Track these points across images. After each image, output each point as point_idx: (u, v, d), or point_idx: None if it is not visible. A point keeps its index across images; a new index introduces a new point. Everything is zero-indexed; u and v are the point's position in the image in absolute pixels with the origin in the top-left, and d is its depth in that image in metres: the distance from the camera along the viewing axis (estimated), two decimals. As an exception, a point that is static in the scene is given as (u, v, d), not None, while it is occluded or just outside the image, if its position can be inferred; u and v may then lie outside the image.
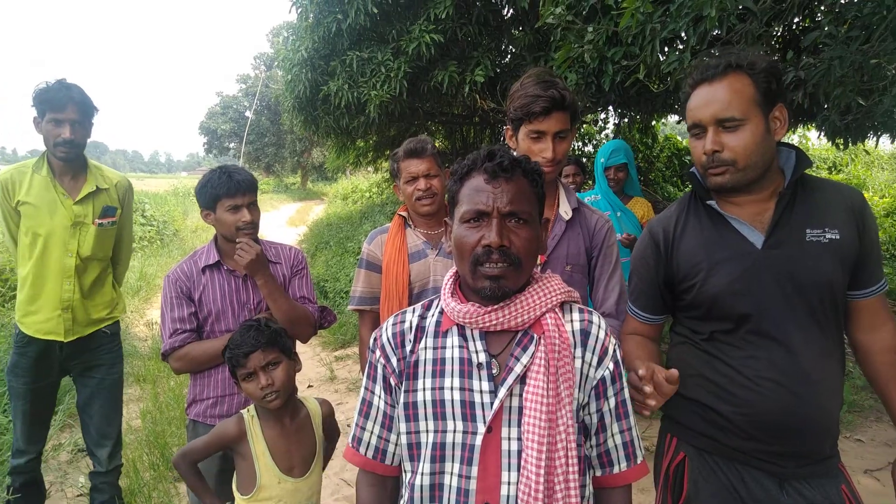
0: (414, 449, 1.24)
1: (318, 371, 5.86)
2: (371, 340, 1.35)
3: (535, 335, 1.21)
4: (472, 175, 1.23)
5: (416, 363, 1.26)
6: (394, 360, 1.28)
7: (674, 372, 1.38)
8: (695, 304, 1.56)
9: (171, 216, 15.01)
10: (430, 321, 1.30)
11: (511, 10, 6.15)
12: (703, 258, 1.53)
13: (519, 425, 1.16)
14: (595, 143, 10.84)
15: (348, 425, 4.51)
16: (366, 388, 1.34)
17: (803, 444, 1.46)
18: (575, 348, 1.23)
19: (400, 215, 2.37)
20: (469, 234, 1.20)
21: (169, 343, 2.18)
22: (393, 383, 1.28)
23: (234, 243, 2.18)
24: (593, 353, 1.24)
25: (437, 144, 12.13)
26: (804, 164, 1.50)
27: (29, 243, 2.68)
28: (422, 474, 1.20)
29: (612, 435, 1.25)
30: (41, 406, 2.82)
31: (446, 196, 1.32)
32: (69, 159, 2.66)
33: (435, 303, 1.35)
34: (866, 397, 4.47)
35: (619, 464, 1.26)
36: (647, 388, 1.36)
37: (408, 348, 1.28)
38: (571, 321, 1.26)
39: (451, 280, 1.32)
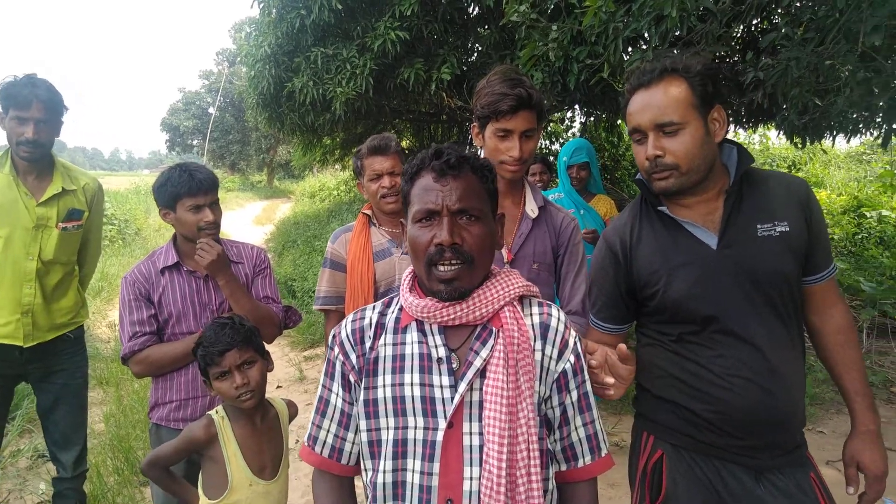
0: (375, 446, 1.23)
1: (287, 371, 5.79)
2: (330, 338, 1.34)
3: (494, 329, 1.20)
4: (422, 174, 1.23)
5: (376, 360, 1.25)
6: (353, 357, 1.27)
7: (622, 347, 1.39)
8: (658, 310, 1.57)
9: (133, 215, 14.65)
10: (390, 318, 1.29)
11: (476, 8, 6.16)
12: (661, 264, 1.53)
13: (480, 420, 1.15)
14: (562, 141, 10.93)
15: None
16: (323, 386, 1.33)
17: (776, 436, 1.49)
18: (535, 341, 1.23)
19: (364, 214, 2.34)
20: (421, 234, 1.19)
21: (129, 346, 2.12)
22: (352, 380, 1.27)
23: (194, 243, 2.13)
24: (553, 346, 1.24)
25: (404, 143, 12.12)
26: (746, 160, 1.52)
27: None
28: (383, 472, 1.19)
29: (576, 428, 1.25)
30: None
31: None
32: (33, 160, 2.52)
33: (395, 300, 1.34)
34: (827, 390, 4.61)
35: (583, 457, 1.26)
36: (593, 361, 1.37)
37: (367, 345, 1.27)
38: (531, 315, 1.27)
39: (410, 276, 1.32)
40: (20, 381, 2.77)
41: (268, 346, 2.20)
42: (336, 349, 1.30)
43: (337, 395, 1.30)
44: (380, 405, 1.22)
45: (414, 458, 1.17)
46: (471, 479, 1.14)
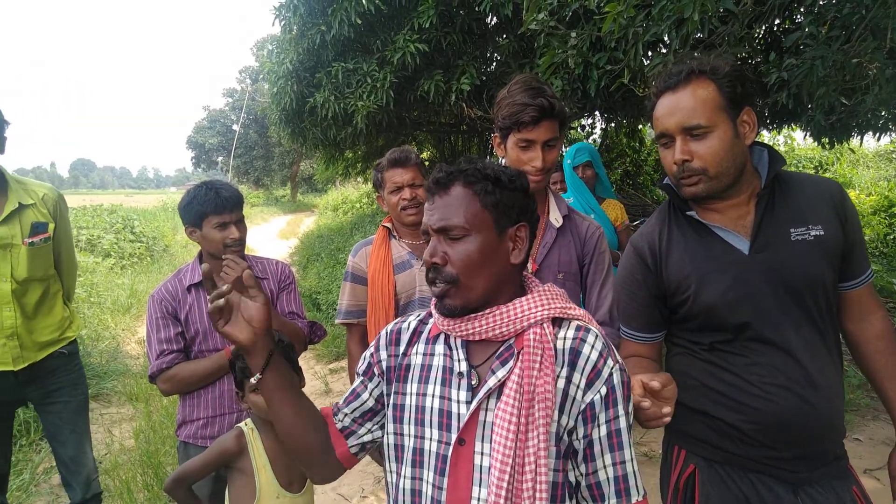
0: (399, 451, 1.24)
1: (313, 385, 5.82)
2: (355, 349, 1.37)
3: (516, 349, 1.15)
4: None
5: (408, 367, 1.26)
6: (384, 354, 1.29)
7: (662, 375, 1.33)
8: (689, 317, 1.53)
9: (161, 232, 14.92)
10: (427, 327, 1.30)
11: (495, 18, 6.18)
12: (692, 270, 1.49)
13: (490, 441, 1.12)
14: (583, 147, 10.87)
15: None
16: (357, 375, 1.35)
17: (815, 446, 1.44)
18: (561, 367, 1.15)
19: (384, 227, 2.35)
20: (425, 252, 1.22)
21: (156, 365, 2.14)
22: (375, 372, 1.29)
23: (220, 260, 2.15)
24: (582, 375, 1.15)
25: (425, 154, 12.16)
26: (778, 162, 1.48)
27: None
28: (404, 478, 1.21)
29: (604, 467, 1.15)
30: None
31: None
32: None
33: None
34: (862, 395, 4.48)
35: (609, 499, 1.15)
36: (645, 403, 1.28)
37: (401, 348, 1.28)
38: (564, 338, 1.18)
39: None
40: (20, 405, 2.72)
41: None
42: (372, 346, 1.32)
43: (365, 384, 1.31)
44: (405, 412, 1.23)
45: (428, 470, 1.17)
46: (478, 499, 1.11)
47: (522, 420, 1.09)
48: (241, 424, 1.97)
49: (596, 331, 1.20)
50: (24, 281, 2.54)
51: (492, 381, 1.14)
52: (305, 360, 6.55)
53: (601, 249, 1.94)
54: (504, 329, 1.16)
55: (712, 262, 1.48)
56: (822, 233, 1.43)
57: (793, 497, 1.44)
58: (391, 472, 1.26)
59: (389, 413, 1.26)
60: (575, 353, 1.16)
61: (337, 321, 2.39)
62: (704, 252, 1.49)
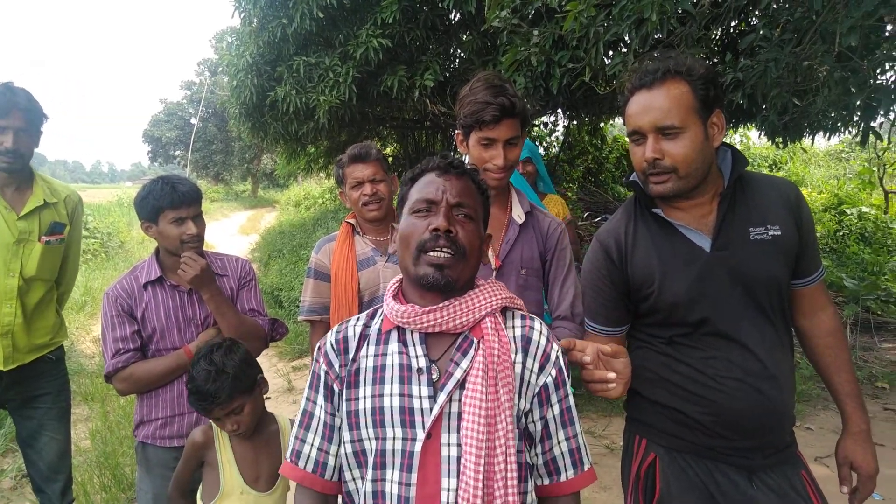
0: (360, 456, 1.22)
1: (276, 382, 5.74)
2: (315, 351, 1.33)
3: (475, 339, 1.20)
4: (424, 174, 1.28)
5: (358, 371, 1.25)
6: (336, 366, 1.26)
7: (614, 346, 1.39)
8: (652, 311, 1.57)
9: (116, 228, 14.48)
10: (374, 328, 1.29)
11: (458, 15, 6.18)
12: (657, 266, 1.53)
13: (459, 431, 1.15)
14: (545, 144, 10.98)
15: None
16: (307, 399, 1.30)
17: (767, 436, 1.50)
18: (515, 354, 1.23)
19: (348, 223, 2.33)
20: (417, 223, 1.22)
21: (112, 364, 2.08)
22: (336, 389, 1.26)
23: (177, 257, 2.10)
24: (534, 360, 1.24)
25: (388, 150, 12.09)
26: (741, 163, 1.53)
27: None
28: (366, 481, 1.19)
29: (558, 442, 1.24)
30: None
31: (395, 200, 1.32)
32: (12, 170, 2.40)
33: (379, 311, 1.34)
34: (813, 387, 4.65)
35: (565, 471, 1.25)
36: (587, 358, 1.34)
37: (350, 355, 1.26)
38: (513, 327, 1.27)
39: (396, 284, 1.32)
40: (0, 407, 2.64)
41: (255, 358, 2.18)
42: (321, 360, 1.29)
43: (320, 407, 1.27)
44: (361, 416, 1.21)
45: (393, 469, 1.17)
46: (448, 490, 1.13)
47: (490, 406, 1.13)
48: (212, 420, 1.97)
49: (538, 318, 1.31)
50: (31, 279, 2.49)
51: (458, 373, 1.17)
52: (267, 358, 6.46)
53: (563, 245, 1.96)
54: (463, 319, 1.20)
55: (676, 259, 1.51)
56: (779, 233, 1.48)
57: (747, 483, 1.49)
58: (352, 479, 1.25)
59: (345, 422, 1.24)
60: (526, 340, 1.25)
61: (300, 318, 2.37)
62: (669, 249, 1.53)
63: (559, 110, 8.22)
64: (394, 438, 1.17)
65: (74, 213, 2.69)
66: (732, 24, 4.71)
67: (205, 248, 2.22)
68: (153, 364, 2.10)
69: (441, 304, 1.20)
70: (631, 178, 1.61)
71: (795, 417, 1.60)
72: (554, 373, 1.25)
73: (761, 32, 3.17)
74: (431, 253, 1.18)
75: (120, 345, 2.08)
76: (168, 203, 2.06)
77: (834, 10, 2.64)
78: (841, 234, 8.54)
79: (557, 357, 1.26)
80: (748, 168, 1.58)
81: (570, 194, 9.20)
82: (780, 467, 1.51)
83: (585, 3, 2.40)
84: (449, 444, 1.15)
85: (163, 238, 2.11)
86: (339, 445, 1.26)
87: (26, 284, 2.49)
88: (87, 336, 7.37)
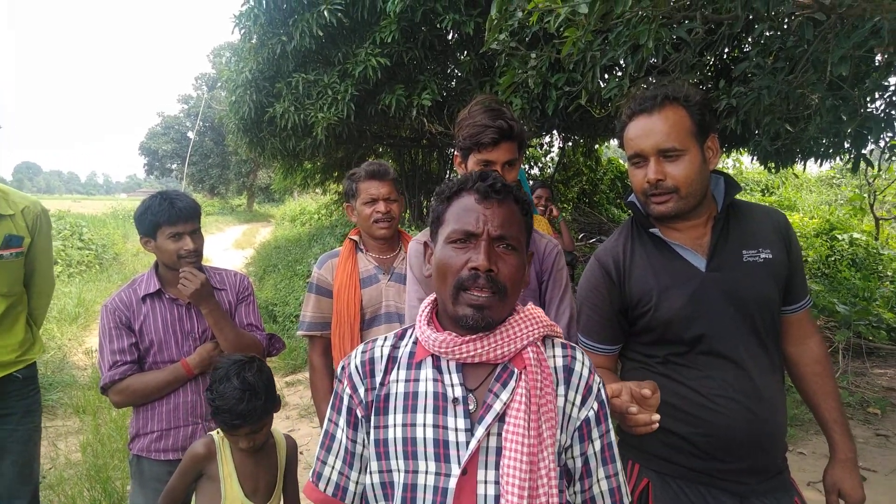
0: (388, 488, 1.14)
1: (267, 398, 5.71)
2: (339, 369, 1.26)
3: (516, 369, 1.12)
4: (462, 194, 1.18)
5: (387, 397, 1.17)
6: (361, 391, 1.19)
7: (649, 382, 1.37)
8: (648, 329, 1.60)
9: (111, 239, 14.45)
10: (403, 351, 1.21)
11: (456, 35, 6.26)
12: (654, 284, 1.57)
13: (496, 467, 1.07)
14: (540, 165, 11.06)
15: (301, 452, 4.41)
16: (329, 420, 1.23)
17: (761, 459, 1.51)
18: (557, 386, 1.15)
19: (351, 239, 2.34)
20: (455, 256, 1.13)
21: (108, 376, 2.08)
22: (360, 415, 1.19)
23: (175, 271, 2.11)
24: (576, 392, 1.16)
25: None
26: (734, 189, 1.58)
27: None
28: None
29: (598, 480, 1.16)
30: None
31: (429, 215, 1.27)
32: None
33: (409, 332, 1.26)
34: (806, 411, 4.64)
35: None
36: (633, 408, 1.31)
37: (377, 379, 1.19)
38: (553, 356, 1.19)
39: (429, 307, 1.24)
40: None
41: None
42: (344, 381, 1.22)
43: (342, 430, 1.21)
44: (390, 446, 1.13)
45: None
46: None
47: (533, 442, 1.06)
48: (213, 432, 1.98)
49: (579, 347, 1.23)
50: None
51: (497, 405, 1.09)
52: (259, 374, 6.42)
53: (559, 266, 1.98)
54: (505, 349, 1.12)
55: (673, 278, 1.55)
56: (770, 256, 1.53)
57: None
58: None
59: (372, 450, 1.16)
60: (568, 371, 1.17)
61: (299, 333, 2.37)
62: (666, 268, 1.57)
63: (554, 131, 8.30)
64: (426, 472, 1.10)
65: (36, 225, 2.53)
66: (726, 51, 4.80)
67: (203, 263, 2.23)
68: (150, 377, 2.11)
69: (482, 335, 1.13)
70: (629, 200, 1.66)
71: (787, 443, 1.61)
72: (596, 406, 1.17)
73: (755, 60, 3.22)
74: (472, 292, 1.10)
75: (117, 357, 2.09)
76: (166, 219, 2.08)
77: (825, 40, 2.69)
78: (833, 259, 8.60)
79: (599, 390, 1.19)
80: (738, 196, 1.62)
81: (564, 215, 9.25)
82: (772, 494, 1.52)
83: (583, 30, 2.45)
84: (486, 482, 1.07)
85: (161, 253, 2.12)
86: (361, 472, 1.20)
87: None
88: (80, 348, 7.32)
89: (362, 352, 1.24)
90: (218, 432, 1.97)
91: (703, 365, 1.53)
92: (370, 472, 1.17)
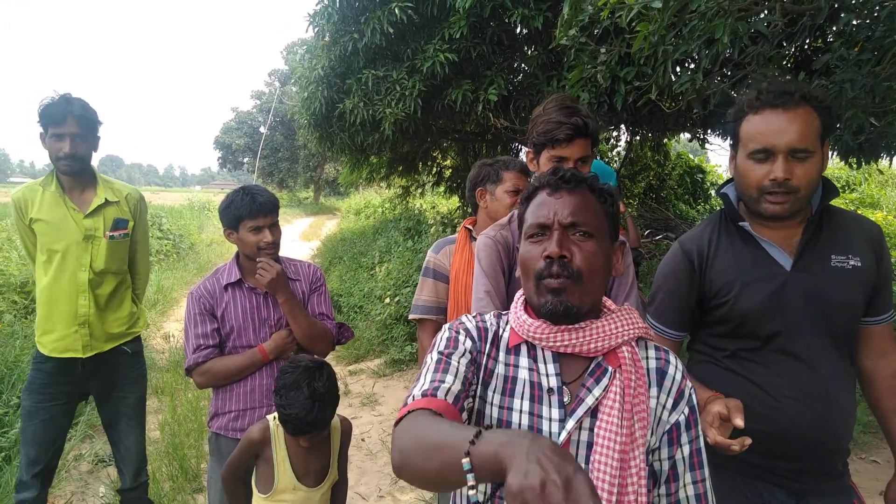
0: None
1: (332, 386, 5.90)
2: (448, 326, 1.25)
3: (610, 367, 1.12)
4: (537, 193, 1.21)
5: (492, 373, 1.19)
6: (478, 344, 1.20)
7: (736, 404, 1.39)
8: (723, 321, 1.61)
9: (187, 230, 15.18)
10: (503, 334, 1.23)
11: (524, 30, 6.23)
12: (736, 276, 1.57)
13: (587, 461, 1.07)
14: (607, 160, 10.88)
15: (362, 440, 4.55)
16: (440, 354, 1.17)
17: (821, 462, 1.51)
18: (649, 387, 1.15)
19: (466, 228, 2.41)
20: (532, 249, 1.15)
21: (193, 359, 2.24)
22: (475, 359, 1.18)
23: (255, 262, 2.24)
24: (668, 395, 1.16)
25: (448, 161, 12.19)
26: (832, 193, 1.56)
27: (44, 261, 2.65)
28: (483, 494, 1.12)
29: (685, 486, 1.15)
30: (53, 431, 2.70)
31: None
32: (73, 173, 2.63)
33: (504, 316, 1.27)
34: (882, 418, 4.43)
35: None
36: (711, 435, 1.35)
37: (488, 347, 1.21)
38: (647, 358, 1.19)
39: (521, 299, 1.25)
40: (83, 398, 2.88)
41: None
42: (462, 332, 1.22)
43: (458, 361, 1.15)
44: (484, 421, 1.16)
45: None
46: None
47: (625, 440, 1.06)
48: (270, 417, 2.08)
49: (672, 351, 1.23)
50: (101, 272, 2.71)
51: (590, 400, 1.10)
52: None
53: (626, 263, 1.99)
54: (599, 344, 1.12)
55: (756, 272, 1.55)
56: (859, 264, 1.52)
57: None
58: None
59: (467, 417, 1.15)
60: (661, 374, 1.17)
61: (412, 316, 2.44)
62: (750, 261, 1.57)
63: (622, 126, 8.14)
64: None
65: (137, 210, 2.89)
66: (807, 41, 4.59)
67: (279, 254, 2.36)
68: (230, 360, 2.25)
69: (576, 325, 1.13)
70: (722, 191, 1.66)
71: (849, 449, 1.59)
72: (686, 411, 1.16)
73: (838, 52, 3.09)
74: (548, 280, 1.11)
75: (201, 341, 2.24)
76: (247, 213, 2.21)
77: (917, 30, 2.57)
78: (920, 260, 8.09)
79: (691, 395, 1.18)
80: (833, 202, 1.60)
81: (630, 210, 9.07)
82: (831, 495, 1.51)
83: (657, 24, 2.42)
84: None
85: (242, 244, 2.26)
86: (458, 381, 1.11)
87: (97, 277, 2.70)
88: (158, 333, 7.75)
89: (473, 318, 1.26)
90: (274, 417, 2.05)
91: (774, 363, 1.52)
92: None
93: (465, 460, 0.81)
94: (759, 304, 1.53)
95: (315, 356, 2.19)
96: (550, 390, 1.13)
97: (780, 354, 1.53)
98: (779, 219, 1.53)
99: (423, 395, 1.06)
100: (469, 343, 1.20)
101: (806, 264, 1.52)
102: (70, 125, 2.55)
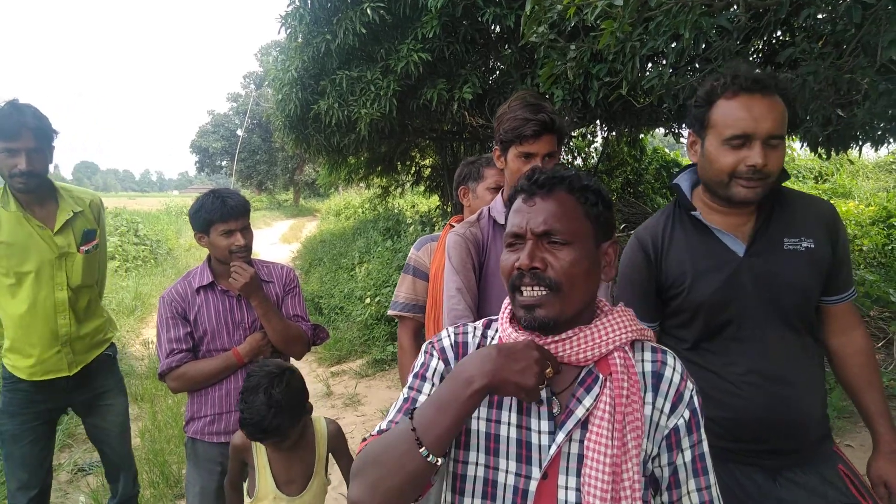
0: (458, 481, 1.11)
1: (315, 387, 5.87)
2: (426, 345, 1.22)
3: (601, 375, 1.07)
4: (515, 198, 1.15)
5: None
6: (453, 367, 1.12)
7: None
8: (679, 311, 1.63)
9: (165, 235, 15.01)
10: (490, 344, 1.16)
11: (497, 28, 6.26)
12: (689, 267, 1.60)
13: (578, 475, 1.04)
14: (584, 156, 10.96)
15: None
16: (411, 388, 1.16)
17: (790, 438, 1.54)
18: (645, 392, 1.09)
19: (451, 226, 2.41)
20: (508, 258, 1.10)
21: (166, 363, 2.22)
22: None
23: (227, 265, 2.23)
24: (665, 399, 1.09)
25: (427, 160, 12.18)
26: (783, 177, 1.58)
27: (11, 284, 2.43)
28: None
29: (689, 493, 1.09)
30: (41, 451, 2.58)
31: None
32: (29, 190, 2.41)
33: (493, 324, 1.23)
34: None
35: None
36: None
37: None
38: (642, 361, 1.13)
39: (508, 309, 1.19)
40: (63, 413, 2.76)
41: (295, 363, 2.29)
42: (436, 355, 1.19)
43: (425, 395, 1.14)
44: (472, 437, 1.11)
45: None
46: None
47: (616, 452, 1.02)
48: None
49: (671, 351, 1.17)
50: (78, 288, 2.58)
51: (580, 411, 1.06)
52: (307, 363, 6.61)
53: None
54: (589, 353, 1.08)
55: (708, 261, 1.57)
56: (812, 246, 1.54)
57: (771, 483, 1.54)
58: (449, 503, 1.14)
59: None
60: (657, 377, 1.11)
61: (391, 313, 2.41)
62: (703, 250, 1.59)
63: (597, 122, 8.21)
64: (506, 472, 1.08)
65: (99, 216, 2.76)
66: (776, 35, 4.67)
67: (252, 257, 2.35)
68: (204, 364, 2.23)
69: (564, 336, 1.08)
70: (675, 181, 1.68)
71: (826, 421, 1.62)
72: (687, 415, 1.09)
73: (801, 45, 3.15)
74: (521, 291, 1.07)
75: (174, 345, 2.22)
76: (218, 216, 2.19)
77: (876, 24, 2.62)
78: (889, 247, 8.26)
79: (692, 397, 1.11)
80: (786, 183, 1.62)
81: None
82: (811, 465, 1.54)
83: (619, 22, 2.45)
84: (567, 488, 1.04)
85: (213, 248, 2.25)
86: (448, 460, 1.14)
87: (74, 294, 2.57)
88: (137, 339, 7.66)
89: (455, 333, 1.21)
90: None
91: (730, 351, 1.56)
92: (449, 459, 1.12)
93: (412, 431, 0.94)
94: (711, 294, 1.55)
95: (287, 361, 2.18)
96: (539, 401, 1.08)
97: (733, 342, 1.56)
98: (748, 204, 1.54)
99: (380, 433, 1.09)
100: (441, 366, 1.17)
101: (758, 249, 1.54)
102: (25, 139, 2.31)
